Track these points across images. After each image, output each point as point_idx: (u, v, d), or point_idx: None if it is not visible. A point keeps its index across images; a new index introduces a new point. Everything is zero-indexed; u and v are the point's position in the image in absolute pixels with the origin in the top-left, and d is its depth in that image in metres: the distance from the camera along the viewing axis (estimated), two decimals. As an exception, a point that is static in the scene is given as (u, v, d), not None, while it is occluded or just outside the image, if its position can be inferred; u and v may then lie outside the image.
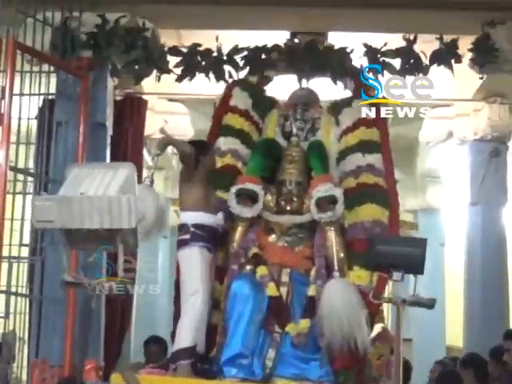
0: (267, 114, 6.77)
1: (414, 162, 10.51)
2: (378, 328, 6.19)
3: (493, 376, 6.32)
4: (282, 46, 7.23)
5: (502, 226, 8.34)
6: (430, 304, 5.16)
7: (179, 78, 7.44)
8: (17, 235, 6.79)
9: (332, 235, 5.97)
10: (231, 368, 5.61)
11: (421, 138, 9.37)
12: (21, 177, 6.90)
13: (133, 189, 5.01)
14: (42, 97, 7.18)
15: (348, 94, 6.96)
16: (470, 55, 7.45)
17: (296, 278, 5.95)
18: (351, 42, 7.24)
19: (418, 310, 5.90)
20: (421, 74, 7.24)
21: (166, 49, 7.44)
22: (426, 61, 7.24)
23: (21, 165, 6.92)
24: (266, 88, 7.02)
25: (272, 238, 6.15)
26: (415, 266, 5.07)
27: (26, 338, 6.99)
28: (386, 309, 6.82)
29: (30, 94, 6.99)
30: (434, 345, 9.95)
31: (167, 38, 7.58)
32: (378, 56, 7.18)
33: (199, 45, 7.37)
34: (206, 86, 7.70)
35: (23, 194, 6.77)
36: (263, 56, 7.14)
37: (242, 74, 7.23)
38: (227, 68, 7.25)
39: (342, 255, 5.97)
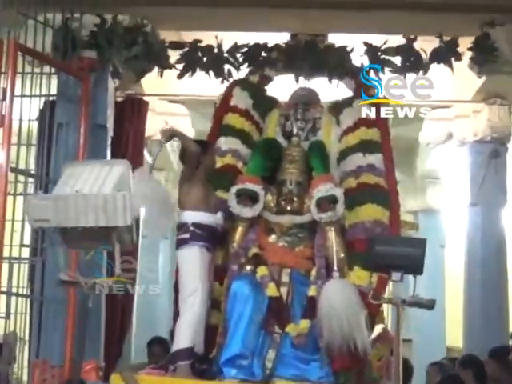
0: (268, 114, 6.76)
1: (414, 163, 10.49)
2: (378, 329, 6.14)
3: (493, 376, 6.29)
4: (282, 45, 7.24)
5: (502, 226, 8.32)
6: (429, 305, 5.12)
7: (180, 75, 7.44)
8: (17, 236, 6.77)
9: (332, 235, 5.94)
10: (231, 369, 5.59)
11: (421, 139, 9.35)
12: (22, 178, 6.87)
13: (128, 186, 4.99)
14: (42, 98, 7.17)
15: (349, 93, 6.96)
16: (469, 55, 7.44)
17: (296, 279, 5.92)
18: (351, 42, 7.23)
19: (417, 310, 5.88)
20: (421, 72, 7.25)
21: (166, 44, 7.45)
22: (426, 58, 7.25)
23: (22, 166, 6.89)
24: (266, 88, 7.00)
25: (272, 238, 6.12)
26: (414, 266, 5.03)
27: (27, 338, 6.97)
28: (386, 309, 6.80)
29: (31, 96, 6.97)
30: (434, 346, 9.92)
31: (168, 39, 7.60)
32: (379, 54, 7.19)
33: (200, 41, 7.38)
34: (207, 87, 7.70)
35: (24, 195, 6.75)
36: (263, 54, 7.14)
37: (242, 72, 7.23)
38: (227, 66, 7.26)
39: (342, 255, 5.94)
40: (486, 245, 8.27)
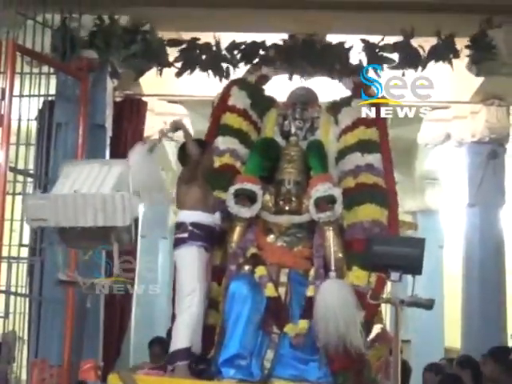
0: (266, 114, 6.72)
1: (413, 164, 10.49)
2: (376, 329, 6.09)
3: (491, 377, 6.29)
4: (280, 43, 7.21)
5: (500, 227, 8.32)
6: (428, 305, 5.07)
7: (179, 73, 7.43)
8: (16, 236, 6.78)
9: (331, 235, 5.91)
10: (229, 369, 5.55)
11: (419, 140, 9.36)
12: (20, 178, 6.88)
13: (127, 186, 4.98)
14: (41, 98, 7.17)
15: (347, 93, 6.95)
16: (468, 55, 7.41)
17: (295, 279, 5.88)
18: (349, 42, 7.21)
19: (416, 311, 5.88)
20: (419, 68, 7.24)
21: (164, 42, 7.43)
22: (424, 54, 7.24)
23: (20, 166, 6.89)
24: (264, 87, 6.97)
25: (270, 238, 6.09)
26: (413, 266, 5.00)
27: (26, 337, 6.96)
28: (385, 310, 6.79)
29: (30, 96, 6.98)
30: (433, 346, 9.93)
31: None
32: (376, 51, 7.18)
33: (198, 39, 7.37)
34: (206, 88, 7.70)
35: (23, 194, 6.76)
36: (261, 52, 7.13)
37: (240, 70, 7.22)
38: (225, 65, 7.25)
39: (340, 255, 5.92)
40: (484, 245, 8.26)
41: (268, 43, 7.21)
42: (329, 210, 5.93)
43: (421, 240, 5.19)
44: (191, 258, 5.68)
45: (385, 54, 7.21)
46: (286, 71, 7.13)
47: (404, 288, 5.44)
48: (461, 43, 7.36)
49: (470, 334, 8.23)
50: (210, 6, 7.34)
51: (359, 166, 6.31)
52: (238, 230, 6.08)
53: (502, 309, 8.17)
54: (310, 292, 5.76)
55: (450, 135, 8.86)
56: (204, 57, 7.41)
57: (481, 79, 7.81)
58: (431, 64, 7.36)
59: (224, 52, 7.35)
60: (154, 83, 8.02)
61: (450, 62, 7.33)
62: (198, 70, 7.46)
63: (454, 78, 7.78)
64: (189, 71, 7.44)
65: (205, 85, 7.74)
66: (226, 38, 7.34)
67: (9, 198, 6.59)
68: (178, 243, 5.76)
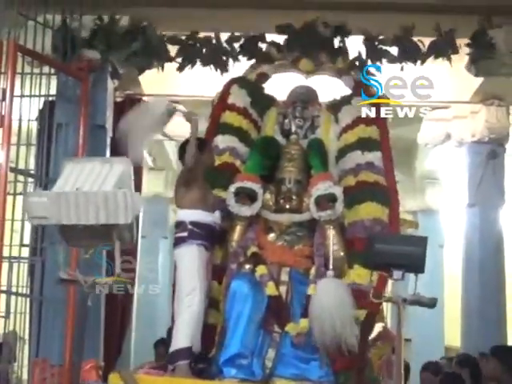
0: (266, 112, 6.67)
1: (413, 164, 10.52)
2: (378, 327, 6.08)
3: (492, 375, 6.29)
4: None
5: (500, 227, 8.32)
6: (431, 303, 5.04)
7: (180, 68, 7.42)
8: (17, 236, 6.78)
9: (331, 234, 5.86)
10: (231, 368, 5.52)
11: (419, 139, 9.36)
12: (21, 178, 6.86)
13: (129, 183, 4.93)
14: (42, 98, 7.16)
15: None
16: (467, 53, 7.41)
17: (295, 277, 5.84)
18: (349, 42, 7.22)
19: (417, 310, 5.86)
20: (419, 63, 7.23)
21: (165, 38, 7.44)
22: (424, 49, 7.23)
23: (21, 166, 6.89)
24: (264, 86, 6.89)
25: (271, 236, 6.05)
26: (416, 264, 4.96)
27: (27, 337, 6.95)
28: (386, 308, 6.80)
29: (31, 96, 6.98)
30: (433, 345, 9.95)
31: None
32: (376, 44, 7.17)
33: (197, 33, 7.36)
34: (206, 88, 7.70)
35: (24, 194, 6.77)
36: (260, 44, 7.15)
37: (241, 64, 7.22)
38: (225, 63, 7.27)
39: (341, 254, 5.89)
40: (484, 245, 8.27)
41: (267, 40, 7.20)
42: (330, 208, 5.89)
43: (423, 238, 5.13)
44: (191, 256, 5.64)
45: (384, 47, 7.20)
46: (286, 56, 7.08)
47: (405, 287, 5.45)
48: (461, 43, 7.36)
49: (469, 333, 8.24)
50: (211, 6, 7.34)
51: (360, 164, 6.27)
52: (238, 229, 6.04)
53: (501, 308, 8.18)
54: (310, 291, 5.69)
55: (450, 135, 8.86)
56: (204, 50, 7.39)
57: (480, 79, 7.81)
58: (430, 60, 7.34)
59: (224, 45, 7.33)
60: (154, 83, 8.03)
61: (449, 59, 7.32)
62: (198, 65, 7.44)
63: (454, 78, 7.79)
64: (190, 66, 7.42)
65: (205, 85, 7.75)
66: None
67: (9, 198, 6.59)
68: (177, 242, 5.73)
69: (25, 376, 6.88)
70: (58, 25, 7.21)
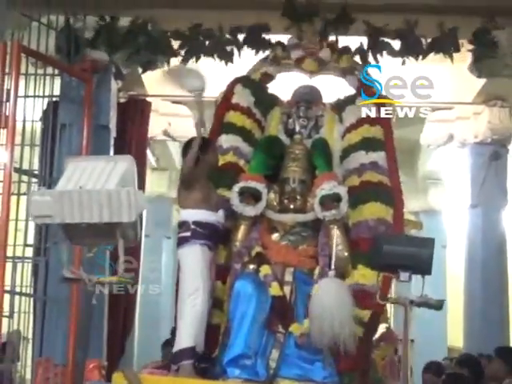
0: (269, 112, 6.62)
1: (416, 165, 10.54)
2: (381, 328, 6.04)
3: (495, 376, 6.28)
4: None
5: (502, 227, 8.36)
6: (438, 305, 5.05)
7: (184, 60, 7.40)
8: (21, 236, 6.80)
9: (336, 234, 5.78)
10: (234, 369, 5.47)
11: (422, 140, 9.37)
12: (25, 178, 6.87)
13: (132, 182, 4.92)
14: (46, 99, 7.17)
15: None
16: (469, 49, 7.39)
17: (299, 278, 5.78)
18: (349, 43, 7.22)
19: (419, 310, 5.87)
20: (420, 57, 7.22)
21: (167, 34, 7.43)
22: (425, 45, 7.21)
23: (25, 166, 6.88)
24: (268, 85, 6.85)
25: (275, 236, 5.99)
26: (423, 266, 4.93)
27: (30, 337, 6.95)
28: (390, 309, 6.80)
29: (35, 96, 6.99)
30: (436, 346, 9.96)
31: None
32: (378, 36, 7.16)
33: (200, 25, 7.35)
34: (209, 88, 7.71)
35: (28, 195, 6.79)
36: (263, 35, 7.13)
37: (245, 53, 7.23)
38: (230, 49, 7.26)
39: (346, 254, 5.83)
40: (487, 246, 8.30)
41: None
42: (334, 208, 5.83)
43: (430, 240, 5.11)
44: (194, 256, 5.60)
45: (386, 40, 7.19)
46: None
47: (408, 287, 5.44)
48: (463, 44, 7.37)
49: (472, 334, 8.27)
50: (213, 7, 7.36)
51: (364, 164, 6.22)
52: (242, 229, 5.98)
53: (503, 308, 8.20)
54: (314, 291, 5.57)
55: (453, 136, 8.89)
56: (207, 42, 7.38)
57: (483, 80, 7.83)
58: (432, 60, 7.32)
59: (227, 36, 7.32)
60: (157, 84, 8.05)
61: (451, 56, 7.31)
62: (203, 59, 7.42)
63: (457, 79, 7.81)
64: (194, 59, 7.39)
65: (208, 85, 7.76)
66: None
67: (13, 198, 6.62)
68: (181, 242, 5.68)
69: (28, 375, 6.88)
70: (61, 26, 7.22)
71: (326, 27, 7.05)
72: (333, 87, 6.93)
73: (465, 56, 7.42)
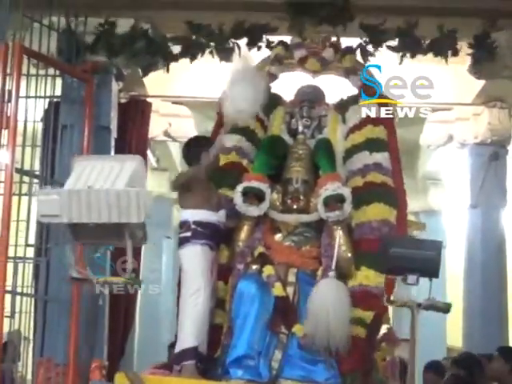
0: (272, 111, 6.55)
1: (416, 165, 10.55)
2: (383, 329, 6.02)
3: (496, 375, 6.26)
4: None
5: (502, 228, 8.37)
6: (445, 308, 5.02)
7: (182, 55, 7.35)
8: (22, 236, 6.84)
9: (339, 234, 5.78)
10: (237, 369, 5.44)
11: (422, 141, 9.38)
12: (26, 179, 6.83)
13: (141, 182, 4.88)
14: (47, 99, 7.17)
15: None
16: (469, 53, 7.37)
17: (303, 278, 5.75)
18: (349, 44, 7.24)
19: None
20: (418, 56, 7.21)
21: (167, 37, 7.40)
22: (424, 45, 7.21)
23: (26, 167, 6.86)
24: (271, 85, 6.85)
25: (278, 237, 5.96)
26: (431, 269, 4.90)
27: (31, 337, 6.94)
28: (391, 310, 6.81)
29: (36, 97, 6.97)
30: (435, 346, 9.96)
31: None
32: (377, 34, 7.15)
33: (199, 24, 7.33)
34: (210, 89, 7.73)
35: (29, 195, 6.81)
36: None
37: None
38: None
39: (349, 255, 5.79)
40: (486, 246, 8.31)
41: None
42: (338, 209, 5.78)
43: (438, 242, 5.08)
44: (195, 256, 5.58)
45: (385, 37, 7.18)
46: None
47: (409, 288, 5.42)
48: (463, 45, 7.38)
49: (471, 334, 8.28)
50: (215, 9, 7.38)
51: (367, 164, 6.18)
52: (245, 229, 5.94)
53: (503, 308, 8.22)
54: (314, 291, 5.55)
55: (453, 137, 8.90)
56: (207, 42, 7.35)
57: (483, 81, 7.84)
58: (432, 60, 7.31)
59: (227, 34, 7.30)
60: (158, 84, 8.06)
61: (446, 58, 7.25)
62: (201, 58, 7.42)
63: (457, 80, 7.82)
64: (195, 57, 7.38)
65: (209, 86, 7.78)
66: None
67: (15, 199, 6.63)
68: (181, 242, 5.66)
69: (29, 376, 6.86)
70: (62, 27, 7.23)
71: (324, 22, 7.04)
72: (336, 87, 6.90)
73: (464, 57, 7.42)
